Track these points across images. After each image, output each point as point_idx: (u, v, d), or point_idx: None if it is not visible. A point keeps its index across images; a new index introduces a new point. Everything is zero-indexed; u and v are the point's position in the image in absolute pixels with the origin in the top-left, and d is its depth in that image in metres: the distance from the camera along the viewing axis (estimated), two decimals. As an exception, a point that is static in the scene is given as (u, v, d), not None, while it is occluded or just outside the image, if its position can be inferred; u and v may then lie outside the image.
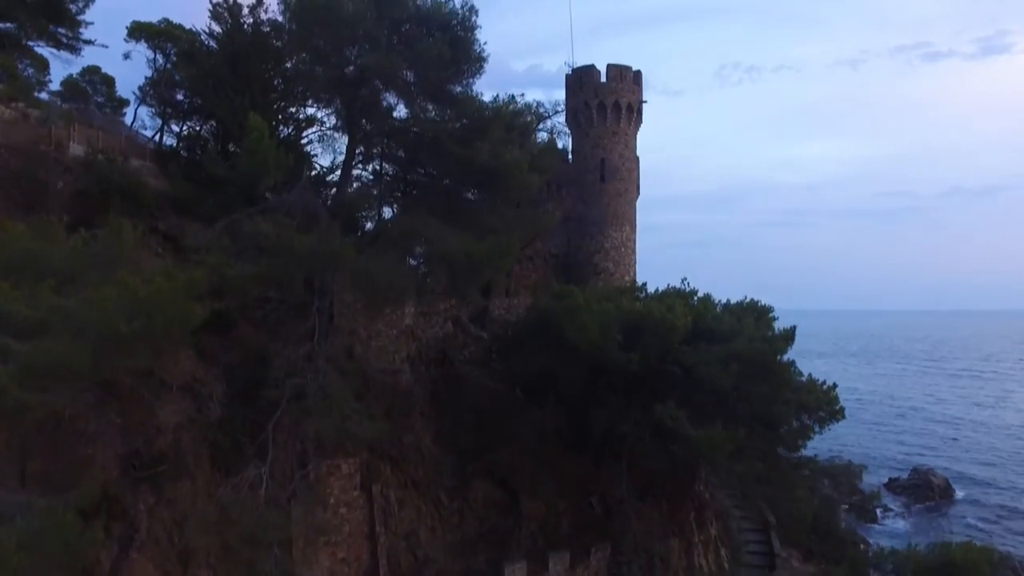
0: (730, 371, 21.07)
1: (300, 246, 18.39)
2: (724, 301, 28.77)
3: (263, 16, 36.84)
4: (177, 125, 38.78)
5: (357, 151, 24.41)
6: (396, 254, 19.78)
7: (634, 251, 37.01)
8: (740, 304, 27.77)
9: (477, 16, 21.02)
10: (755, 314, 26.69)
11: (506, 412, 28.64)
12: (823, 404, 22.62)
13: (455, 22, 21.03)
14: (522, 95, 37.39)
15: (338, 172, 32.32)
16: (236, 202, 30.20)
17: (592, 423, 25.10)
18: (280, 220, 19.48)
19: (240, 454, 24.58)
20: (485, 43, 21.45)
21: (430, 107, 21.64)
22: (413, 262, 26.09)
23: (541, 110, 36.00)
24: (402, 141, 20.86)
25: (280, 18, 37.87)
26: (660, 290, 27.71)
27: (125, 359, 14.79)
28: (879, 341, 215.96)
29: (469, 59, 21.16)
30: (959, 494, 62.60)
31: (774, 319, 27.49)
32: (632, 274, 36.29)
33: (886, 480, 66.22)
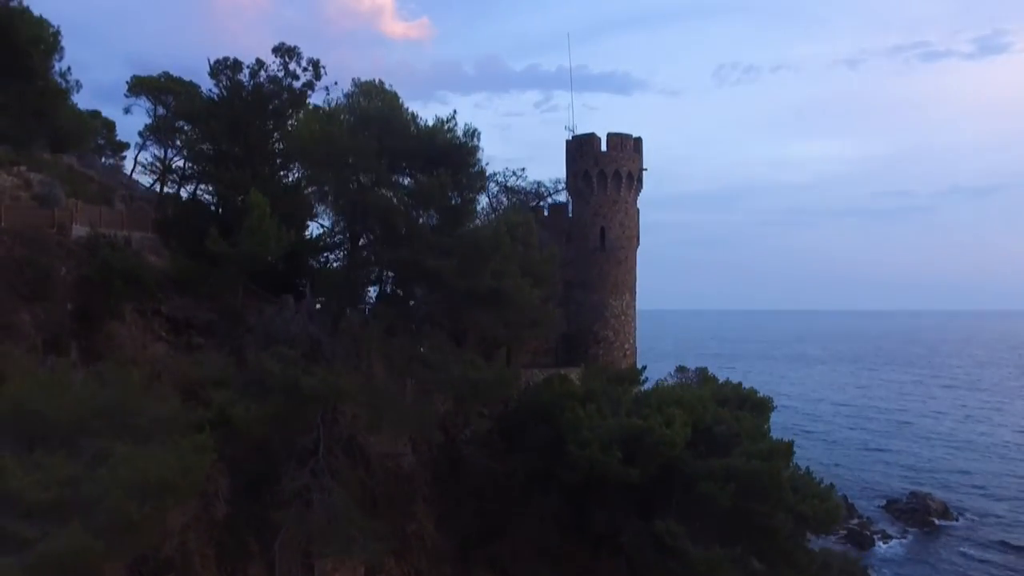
0: (728, 491, 21.44)
1: (305, 386, 18.62)
2: (724, 380, 29.21)
3: (263, 76, 36.89)
4: (175, 184, 38.91)
5: (360, 247, 24.61)
6: (400, 382, 19.99)
7: (634, 317, 37.28)
8: (739, 392, 28.09)
9: (479, 139, 21.20)
10: (753, 406, 27.05)
11: (508, 496, 28.94)
12: (819, 512, 23.00)
13: (456, 144, 21.16)
14: (523, 169, 37.45)
15: (338, 235, 32.46)
16: (238, 280, 30.37)
17: (592, 521, 25.45)
18: (284, 353, 19.66)
19: (246, 553, 24.91)
20: (487, 163, 21.65)
21: (431, 222, 21.80)
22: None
23: (542, 189, 36.12)
24: (404, 254, 20.98)
25: (279, 73, 37.93)
26: (660, 382, 28.05)
27: (137, 542, 15.06)
28: (876, 345, 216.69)
29: (471, 178, 21.32)
30: (956, 520, 62.92)
31: (773, 408, 27.92)
32: (632, 341, 36.58)
33: (884, 503, 66.58)
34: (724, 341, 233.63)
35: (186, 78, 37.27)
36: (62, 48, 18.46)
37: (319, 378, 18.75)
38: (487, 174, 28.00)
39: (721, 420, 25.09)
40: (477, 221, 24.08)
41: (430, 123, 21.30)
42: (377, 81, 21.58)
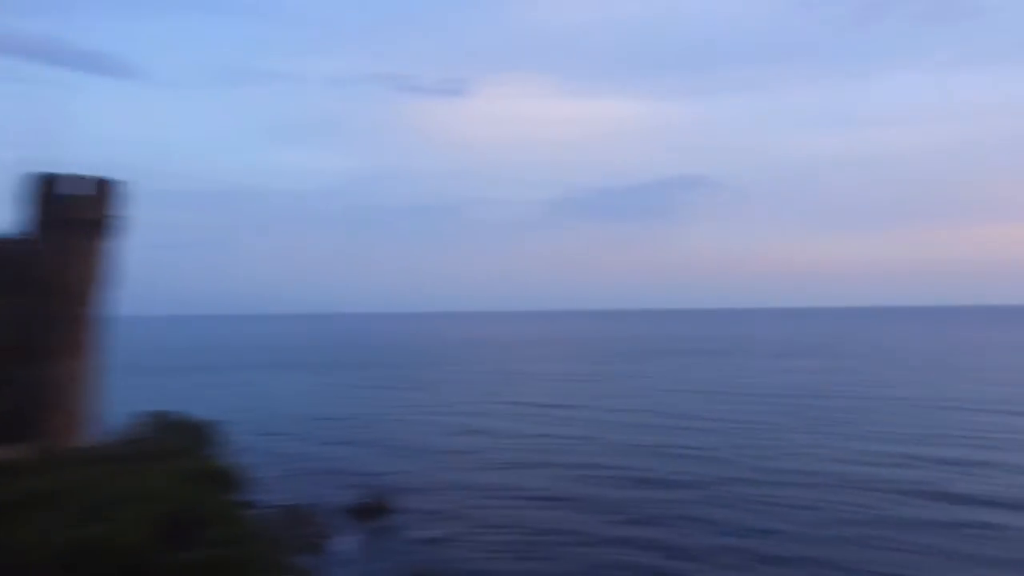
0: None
1: None
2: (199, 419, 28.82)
3: None
4: None
5: None
6: None
7: (100, 379, 33.98)
8: (207, 466, 28.47)
9: None
10: (222, 480, 27.83)
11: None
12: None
13: None
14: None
15: None
16: None
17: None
18: None
19: None
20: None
21: None
22: None
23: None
24: None
25: None
26: (125, 428, 26.38)
27: None
28: (342, 348, 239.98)
29: None
30: (402, 515, 71.38)
31: (241, 479, 29.19)
32: (98, 406, 33.24)
33: (337, 507, 72.44)
34: (205, 350, 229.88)
35: None
36: None
37: None
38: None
39: (188, 504, 25.13)
40: None
41: None
42: None
